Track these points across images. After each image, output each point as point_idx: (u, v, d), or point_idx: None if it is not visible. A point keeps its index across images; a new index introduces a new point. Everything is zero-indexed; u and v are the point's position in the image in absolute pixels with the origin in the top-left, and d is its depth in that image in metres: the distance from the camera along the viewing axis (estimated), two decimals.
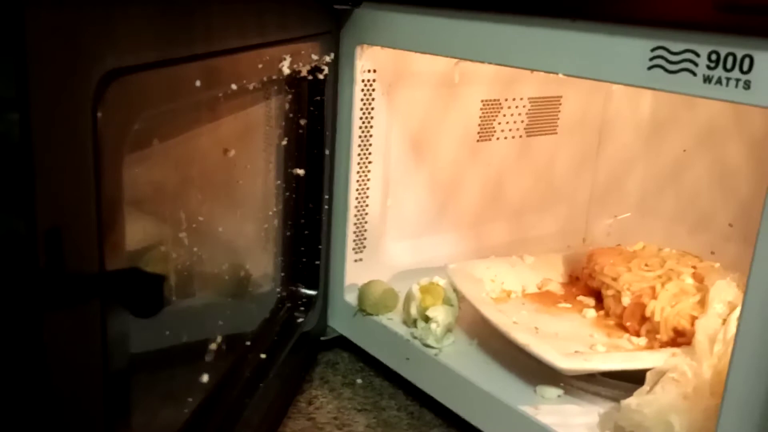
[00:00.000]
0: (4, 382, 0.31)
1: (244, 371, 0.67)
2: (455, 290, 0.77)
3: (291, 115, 0.72)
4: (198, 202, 0.54)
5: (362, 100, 0.78)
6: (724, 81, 0.48)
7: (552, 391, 0.67)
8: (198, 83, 0.45)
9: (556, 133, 0.99)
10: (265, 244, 0.74)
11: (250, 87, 0.55)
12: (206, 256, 0.57)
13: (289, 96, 0.71)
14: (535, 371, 0.68)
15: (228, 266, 0.62)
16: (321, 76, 0.73)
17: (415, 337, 0.75)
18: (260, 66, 0.55)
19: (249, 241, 0.69)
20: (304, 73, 0.69)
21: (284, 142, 0.72)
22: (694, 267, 0.76)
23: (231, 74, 0.50)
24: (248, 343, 0.69)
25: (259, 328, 0.72)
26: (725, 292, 0.67)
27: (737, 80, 0.47)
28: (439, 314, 0.74)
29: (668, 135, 0.98)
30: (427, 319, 0.75)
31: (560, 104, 0.98)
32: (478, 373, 0.69)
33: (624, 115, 1.01)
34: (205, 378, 0.58)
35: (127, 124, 0.38)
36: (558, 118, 0.99)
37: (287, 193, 0.75)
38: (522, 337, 0.67)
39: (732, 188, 0.90)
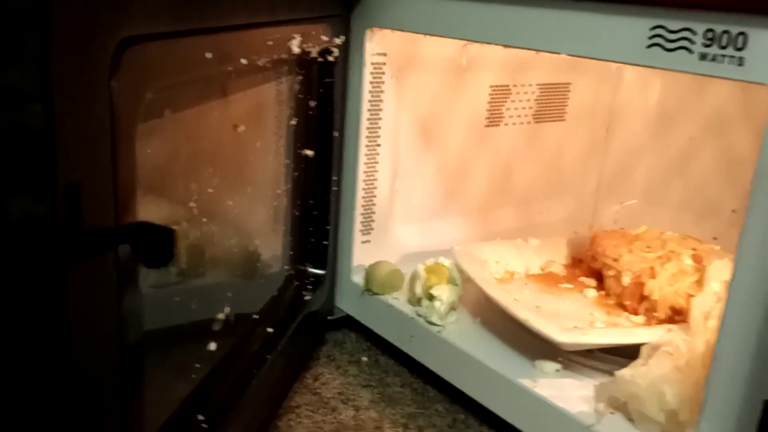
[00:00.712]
0: (29, 329, 0.33)
1: (252, 344, 0.68)
2: (460, 270, 0.78)
3: (301, 96, 0.74)
4: (209, 175, 0.56)
5: (371, 83, 0.80)
6: (719, 58, 0.49)
7: (550, 366, 0.68)
8: (209, 56, 0.47)
9: (565, 120, 1.00)
10: (274, 222, 0.76)
11: (260, 64, 0.57)
12: (215, 227, 0.59)
13: (300, 77, 0.73)
14: (535, 347, 0.70)
15: (237, 240, 0.64)
16: (331, 59, 0.74)
17: (419, 315, 0.77)
18: (270, 43, 0.57)
19: (258, 218, 0.71)
20: (314, 54, 0.71)
21: (294, 123, 0.74)
22: (694, 249, 0.77)
23: (241, 49, 0.52)
24: (256, 317, 0.70)
25: (267, 304, 0.74)
26: (722, 272, 0.68)
27: (731, 57, 0.48)
28: (443, 293, 0.76)
29: (676, 124, 0.98)
30: (431, 298, 0.76)
31: (569, 91, 0.99)
32: (480, 349, 0.71)
33: (633, 103, 1.02)
34: (212, 346, 0.60)
35: (141, 91, 0.40)
36: (567, 105, 1.00)
37: (296, 174, 0.77)
38: (522, 313, 0.68)
39: (739, 176, 0.90)
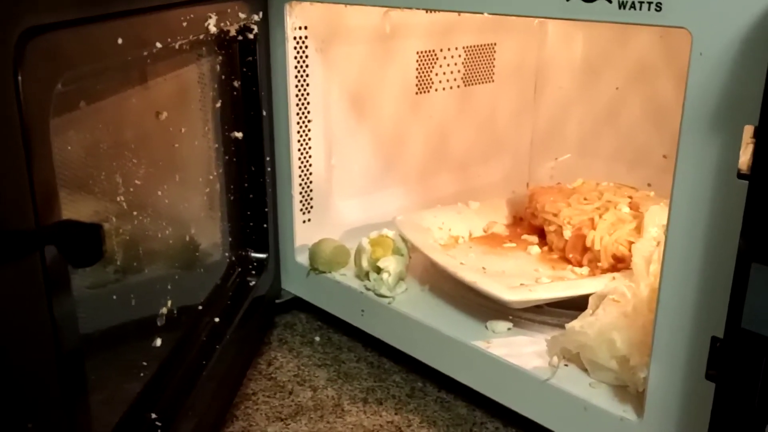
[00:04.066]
0: None
1: (199, 335, 0.67)
2: (404, 240, 0.78)
3: (224, 77, 0.72)
4: (134, 166, 0.53)
5: (296, 58, 0.78)
6: (637, 5, 0.50)
7: (502, 325, 0.69)
8: (120, 41, 0.45)
9: (493, 81, 1.00)
10: (210, 209, 0.74)
11: (177, 47, 0.55)
12: (148, 219, 0.57)
13: (221, 57, 0.71)
14: (485, 308, 0.70)
15: (172, 231, 0.62)
16: (251, 36, 0.72)
17: (368, 289, 0.76)
18: (185, 24, 0.55)
19: (192, 206, 0.69)
20: (233, 33, 0.69)
21: (219, 105, 0.72)
22: (630, 197, 0.79)
23: (155, 33, 0.50)
24: (200, 307, 0.69)
25: (211, 293, 0.73)
26: (659, 217, 0.69)
27: (649, 3, 0.49)
28: (390, 264, 0.76)
29: (602, 76, 1.00)
30: (378, 270, 0.76)
31: (495, 51, 0.99)
32: (431, 316, 0.71)
33: (558, 59, 1.03)
34: (158, 342, 0.58)
35: (51, 83, 0.38)
36: (494, 66, 1.00)
37: (227, 157, 0.75)
38: (469, 276, 0.68)
39: (666, 122, 0.93)
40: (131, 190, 0.53)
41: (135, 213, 0.54)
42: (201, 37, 0.60)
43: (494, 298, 0.66)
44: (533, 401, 0.62)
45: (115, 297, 0.53)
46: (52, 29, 0.37)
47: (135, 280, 0.57)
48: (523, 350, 0.65)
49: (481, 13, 0.60)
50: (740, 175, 0.45)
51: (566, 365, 0.63)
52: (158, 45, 0.50)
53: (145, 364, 0.57)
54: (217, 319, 0.70)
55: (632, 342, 0.58)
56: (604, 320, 0.59)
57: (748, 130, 0.45)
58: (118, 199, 0.51)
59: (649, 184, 0.91)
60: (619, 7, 0.50)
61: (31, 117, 0.35)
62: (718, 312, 0.48)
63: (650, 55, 0.93)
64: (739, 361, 0.44)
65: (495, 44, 0.99)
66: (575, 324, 0.60)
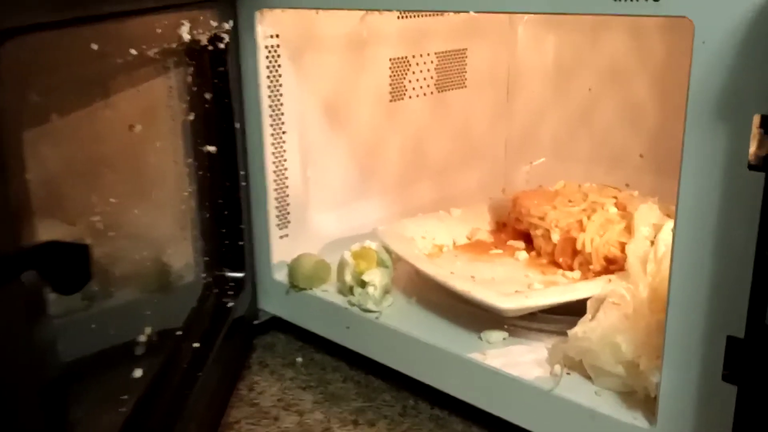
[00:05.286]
0: None
1: (179, 362, 0.64)
2: (388, 251, 0.76)
3: (195, 88, 0.68)
4: (110, 183, 0.50)
5: (268, 67, 0.75)
6: None
7: (497, 335, 0.66)
8: (95, 47, 0.41)
9: (466, 86, 0.99)
10: (184, 227, 0.71)
11: (151, 55, 0.51)
12: (123, 241, 0.54)
13: (192, 68, 0.67)
14: (477, 318, 0.68)
15: (147, 252, 0.59)
16: (222, 45, 0.69)
17: (353, 304, 0.74)
18: (159, 31, 0.52)
19: (167, 225, 0.66)
20: (204, 42, 0.66)
21: (191, 118, 0.68)
22: (615, 197, 0.78)
23: (129, 39, 0.47)
24: (180, 333, 0.65)
25: (189, 317, 0.69)
26: (648, 216, 0.69)
27: None
28: (375, 277, 0.73)
29: (574, 78, 0.99)
30: (363, 284, 0.73)
31: (466, 57, 0.98)
32: (421, 329, 0.69)
33: (530, 62, 1.02)
34: (138, 373, 0.55)
35: (24, 91, 0.35)
36: (466, 72, 0.99)
37: (200, 172, 0.71)
38: (462, 285, 0.66)
39: (641, 122, 0.93)
40: (107, 209, 0.49)
41: (111, 234, 0.50)
42: (173, 45, 0.57)
43: (489, 307, 0.64)
44: (536, 413, 0.60)
45: (93, 326, 0.49)
46: (26, 32, 0.34)
47: (111, 306, 0.53)
48: (522, 360, 0.63)
49: (467, 12, 0.58)
50: (751, 166, 0.44)
51: (568, 373, 0.61)
52: (133, 51, 0.46)
53: (125, 397, 0.53)
54: (197, 345, 0.66)
55: (636, 344, 0.56)
56: (605, 324, 0.58)
57: (757, 120, 0.44)
58: (93, 218, 0.47)
59: (627, 185, 0.91)
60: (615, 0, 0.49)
61: (3, 129, 0.32)
62: (734, 309, 0.46)
63: (623, 56, 0.93)
64: (764, 360, 0.43)
65: (466, 49, 0.98)
66: (577, 330, 0.58)
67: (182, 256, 0.71)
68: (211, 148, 0.72)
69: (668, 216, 0.70)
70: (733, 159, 0.45)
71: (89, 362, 0.49)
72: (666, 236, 0.64)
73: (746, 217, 0.44)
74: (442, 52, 0.95)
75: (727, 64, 0.44)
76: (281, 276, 0.80)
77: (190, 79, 0.67)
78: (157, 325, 0.58)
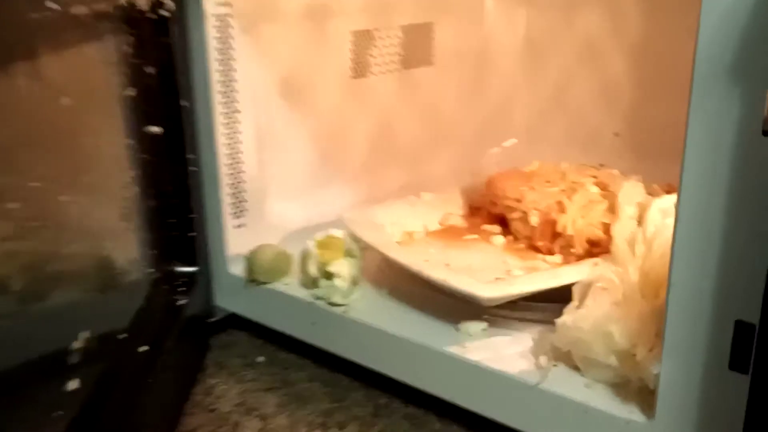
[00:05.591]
0: None
1: (125, 368, 0.57)
2: (356, 240, 0.70)
3: (135, 60, 0.62)
4: (30, 164, 0.43)
5: (217, 39, 0.69)
6: None
7: (476, 326, 0.62)
8: None
9: (433, 64, 0.94)
10: (126, 218, 0.64)
11: (77, 14, 0.44)
12: (51, 233, 0.47)
13: (131, 37, 0.60)
14: (454, 309, 0.63)
15: (83, 245, 0.52)
16: (165, 13, 0.62)
17: (318, 298, 0.68)
18: None
19: (105, 215, 0.59)
20: (144, 8, 0.59)
21: (131, 94, 0.61)
22: (594, 176, 0.74)
23: None
24: (124, 336, 0.59)
25: (135, 318, 0.63)
26: (633, 194, 0.65)
27: None
28: (343, 268, 0.68)
29: (547, 56, 0.96)
30: (329, 276, 0.68)
31: (433, 32, 0.93)
32: (394, 322, 0.64)
33: (500, 40, 0.98)
34: (73, 385, 0.48)
35: None
36: (432, 48, 0.94)
37: (144, 156, 0.65)
38: (437, 273, 0.61)
39: (616, 100, 0.90)
40: (28, 195, 0.42)
41: (35, 224, 0.43)
42: (106, 8, 0.50)
43: (468, 296, 0.59)
44: (522, 409, 0.55)
45: (12, 334, 0.42)
46: None
47: (40, 309, 0.47)
48: (505, 351, 0.58)
49: None
50: (766, 132, 0.39)
51: (555, 365, 0.56)
52: (52, 6, 0.39)
53: (59, 413, 0.46)
54: (145, 348, 0.59)
55: (630, 333, 0.51)
56: (597, 312, 0.53)
57: None
58: (9, 206, 0.40)
59: (602, 165, 0.87)
60: None
61: None
62: (744, 293, 0.42)
63: (598, 32, 0.89)
64: None
65: (432, 23, 0.92)
66: (567, 319, 0.54)
67: (125, 249, 0.64)
68: (156, 129, 0.65)
69: (650, 195, 0.66)
70: (746, 125, 0.41)
71: (11, 376, 0.42)
72: (654, 215, 0.59)
73: (761, 186, 0.40)
74: (407, 26, 0.89)
75: (740, 21, 0.40)
76: (238, 269, 0.75)
77: (129, 49, 0.60)
78: (96, 329, 0.52)
